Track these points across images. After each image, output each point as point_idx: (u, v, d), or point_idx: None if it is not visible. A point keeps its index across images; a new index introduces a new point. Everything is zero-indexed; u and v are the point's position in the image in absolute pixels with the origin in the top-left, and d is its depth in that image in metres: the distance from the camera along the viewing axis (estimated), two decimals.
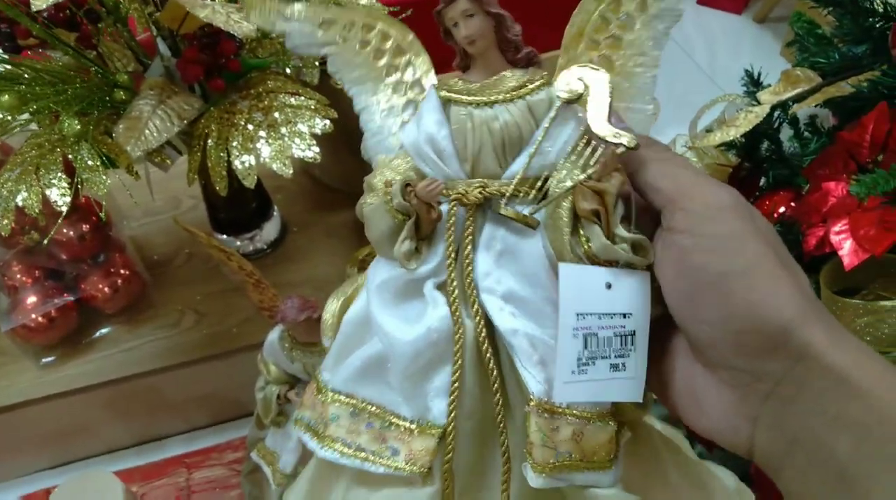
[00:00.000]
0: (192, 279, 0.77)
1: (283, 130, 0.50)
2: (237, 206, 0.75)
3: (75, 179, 0.47)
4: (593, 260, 0.31)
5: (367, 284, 0.35)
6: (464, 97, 0.32)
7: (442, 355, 0.33)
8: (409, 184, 0.32)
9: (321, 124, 0.50)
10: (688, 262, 0.29)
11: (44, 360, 0.70)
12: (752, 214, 0.30)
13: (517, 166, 0.32)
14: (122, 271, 0.71)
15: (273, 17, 0.34)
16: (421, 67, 0.36)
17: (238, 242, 0.78)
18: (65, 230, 0.68)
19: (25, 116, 0.47)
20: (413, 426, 0.34)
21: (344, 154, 0.75)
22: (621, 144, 0.30)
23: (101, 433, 0.76)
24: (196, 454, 0.77)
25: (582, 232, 0.31)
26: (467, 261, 0.33)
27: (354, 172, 0.81)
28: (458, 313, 0.33)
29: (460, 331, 0.33)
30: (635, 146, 0.30)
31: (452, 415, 0.33)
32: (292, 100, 0.51)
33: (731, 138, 0.68)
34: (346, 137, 0.73)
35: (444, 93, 0.33)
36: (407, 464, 0.34)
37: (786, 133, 0.69)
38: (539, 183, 0.32)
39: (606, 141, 0.31)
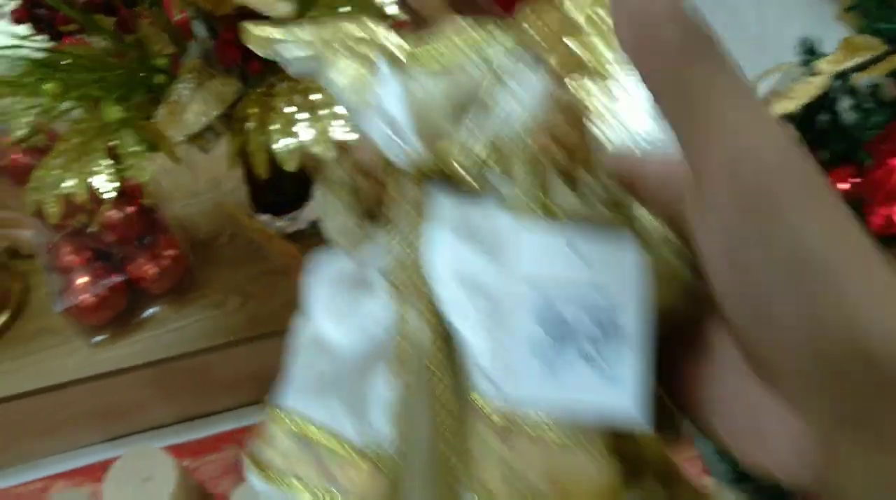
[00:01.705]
0: (236, 260, 0.78)
1: (324, 112, 0.49)
2: (279, 187, 0.75)
3: (119, 166, 0.48)
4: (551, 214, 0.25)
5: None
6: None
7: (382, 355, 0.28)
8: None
9: None
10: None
11: (95, 339, 0.72)
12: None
13: None
14: (167, 253, 0.72)
15: (270, 46, 0.32)
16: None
17: (279, 222, 0.78)
18: (110, 212, 0.69)
19: (65, 104, 0.47)
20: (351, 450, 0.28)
21: None
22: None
23: (151, 409, 0.78)
24: (244, 430, 0.78)
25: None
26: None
27: None
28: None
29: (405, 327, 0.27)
30: None
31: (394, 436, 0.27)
32: None
33: (788, 111, 0.65)
34: None
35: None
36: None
37: (844, 105, 0.66)
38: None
39: None
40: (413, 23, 0.31)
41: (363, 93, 0.29)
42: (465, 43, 0.28)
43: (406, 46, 0.29)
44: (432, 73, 0.28)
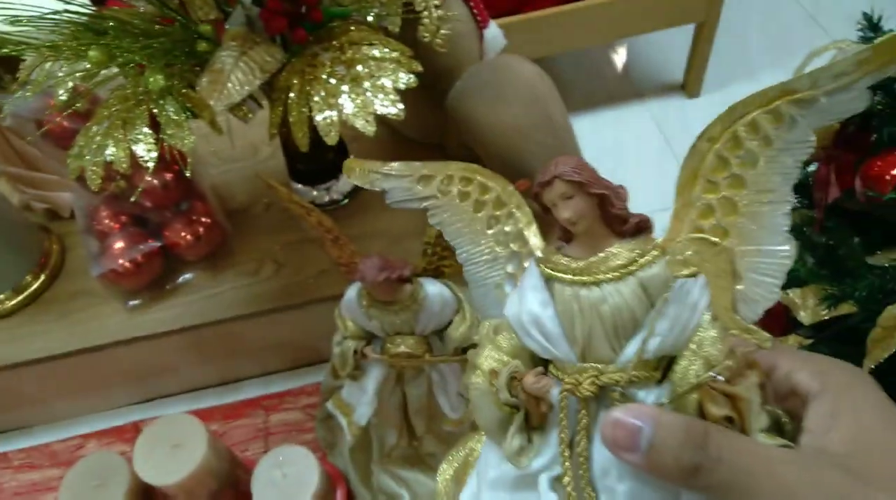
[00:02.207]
0: (270, 228, 0.78)
1: (366, 84, 0.48)
2: (315, 157, 0.74)
3: (160, 134, 0.48)
4: None
5: (479, 473, 0.34)
6: (567, 276, 0.30)
7: None
8: (516, 376, 0.31)
9: (405, 79, 0.49)
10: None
11: (131, 303, 0.72)
12: None
13: (631, 351, 0.29)
14: (203, 219, 0.73)
15: (372, 177, 0.34)
16: (523, 219, 0.34)
17: (314, 192, 0.78)
18: (148, 178, 0.69)
19: (105, 71, 0.47)
20: None
21: (423, 106, 0.73)
22: (752, 341, 0.27)
23: (183, 373, 0.79)
24: (272, 396, 0.79)
25: None
26: (582, 458, 0.29)
27: (433, 125, 0.80)
28: None
29: None
30: (768, 345, 0.27)
31: None
32: (375, 52, 0.50)
33: None
34: (426, 88, 0.72)
35: (546, 270, 0.31)
36: None
37: None
38: (659, 368, 0.29)
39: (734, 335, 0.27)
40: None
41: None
42: (618, 263, 0.29)
43: (563, 260, 0.31)
44: (588, 290, 0.30)
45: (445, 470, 0.38)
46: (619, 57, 2.32)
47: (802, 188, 0.94)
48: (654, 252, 0.29)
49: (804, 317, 0.75)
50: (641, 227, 0.31)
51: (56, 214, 0.82)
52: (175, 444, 0.56)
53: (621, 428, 0.26)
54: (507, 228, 0.35)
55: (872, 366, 0.70)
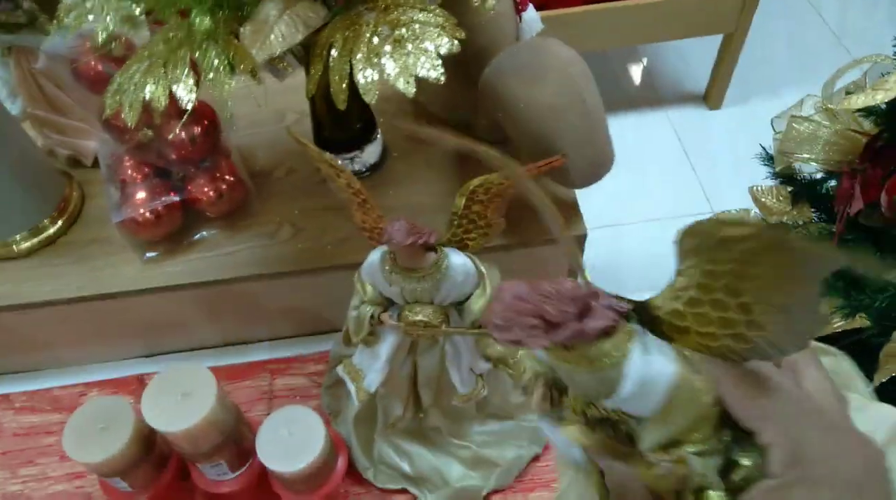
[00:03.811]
0: (291, 194, 0.78)
1: (409, 46, 0.48)
2: (342, 124, 0.74)
3: (201, 79, 0.47)
4: None
5: None
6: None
7: None
8: None
9: (448, 44, 0.49)
10: None
11: (147, 254, 0.72)
12: None
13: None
14: (227, 177, 0.72)
15: None
16: None
17: (339, 162, 0.77)
18: (176, 131, 0.69)
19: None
20: None
21: (455, 84, 0.73)
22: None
23: (192, 330, 0.79)
24: (279, 361, 0.79)
25: None
26: None
27: (463, 103, 0.80)
28: None
29: None
30: None
31: None
32: (420, 15, 0.50)
33: (876, 103, 0.63)
34: (460, 66, 0.71)
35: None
36: None
37: None
38: None
39: None
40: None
41: None
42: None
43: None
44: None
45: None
46: (643, 62, 2.31)
47: (820, 202, 0.94)
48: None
49: None
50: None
51: (79, 161, 0.82)
52: (185, 392, 0.56)
53: None
54: None
55: (884, 380, 0.70)
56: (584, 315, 0.26)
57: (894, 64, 0.73)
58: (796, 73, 2.13)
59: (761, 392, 0.28)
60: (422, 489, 0.67)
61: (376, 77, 0.48)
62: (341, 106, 0.50)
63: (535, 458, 0.70)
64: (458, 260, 0.53)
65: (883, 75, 0.68)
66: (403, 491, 0.68)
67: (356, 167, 0.79)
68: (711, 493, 0.28)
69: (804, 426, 0.28)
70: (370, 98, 0.48)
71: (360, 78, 0.48)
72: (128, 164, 0.72)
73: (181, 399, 0.57)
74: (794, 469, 0.26)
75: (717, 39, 1.98)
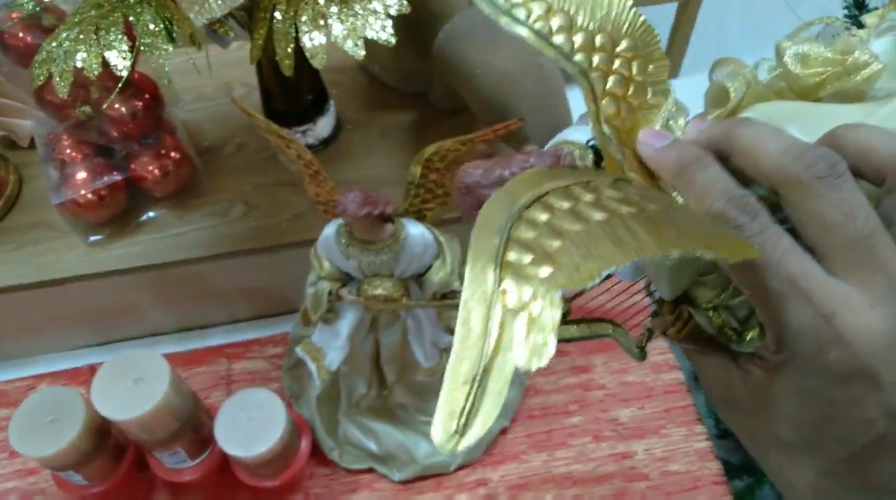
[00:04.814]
0: (242, 170, 0.75)
1: (357, 7, 0.46)
2: (293, 96, 0.72)
3: (136, 44, 0.44)
4: None
5: None
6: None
7: None
8: None
9: (396, 4, 0.46)
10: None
11: (92, 238, 0.69)
12: None
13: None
14: (172, 155, 0.69)
15: None
16: None
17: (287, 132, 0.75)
18: (117, 106, 0.66)
19: None
20: None
21: (408, 53, 0.71)
22: None
23: (144, 315, 0.76)
24: (237, 345, 0.77)
25: None
26: None
27: (417, 72, 0.78)
28: None
29: None
30: None
31: None
32: None
33: None
34: (409, 33, 0.69)
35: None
36: None
37: None
38: None
39: None
40: None
41: None
42: None
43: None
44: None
45: None
46: None
47: None
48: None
49: None
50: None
51: (14, 143, 0.78)
52: (136, 379, 0.54)
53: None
54: None
55: None
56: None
57: (844, 25, 0.73)
58: (751, 40, 2.16)
59: None
60: (390, 467, 0.66)
61: (323, 40, 0.46)
62: (288, 72, 0.48)
63: (503, 431, 0.69)
64: (415, 231, 0.51)
65: (833, 37, 0.68)
66: (371, 471, 0.67)
67: (309, 141, 0.76)
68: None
69: None
70: (318, 63, 0.46)
71: (306, 41, 0.46)
72: (66, 143, 0.68)
73: (132, 386, 0.55)
74: None
75: (672, 7, 1.98)
